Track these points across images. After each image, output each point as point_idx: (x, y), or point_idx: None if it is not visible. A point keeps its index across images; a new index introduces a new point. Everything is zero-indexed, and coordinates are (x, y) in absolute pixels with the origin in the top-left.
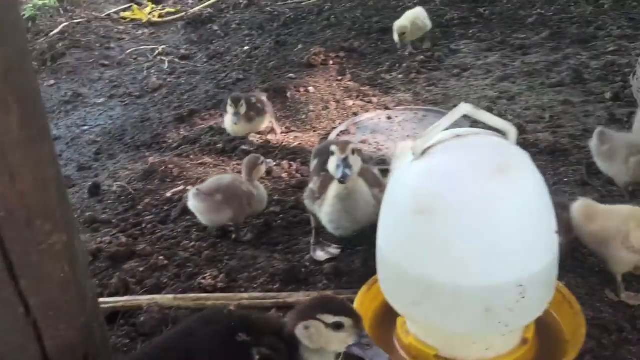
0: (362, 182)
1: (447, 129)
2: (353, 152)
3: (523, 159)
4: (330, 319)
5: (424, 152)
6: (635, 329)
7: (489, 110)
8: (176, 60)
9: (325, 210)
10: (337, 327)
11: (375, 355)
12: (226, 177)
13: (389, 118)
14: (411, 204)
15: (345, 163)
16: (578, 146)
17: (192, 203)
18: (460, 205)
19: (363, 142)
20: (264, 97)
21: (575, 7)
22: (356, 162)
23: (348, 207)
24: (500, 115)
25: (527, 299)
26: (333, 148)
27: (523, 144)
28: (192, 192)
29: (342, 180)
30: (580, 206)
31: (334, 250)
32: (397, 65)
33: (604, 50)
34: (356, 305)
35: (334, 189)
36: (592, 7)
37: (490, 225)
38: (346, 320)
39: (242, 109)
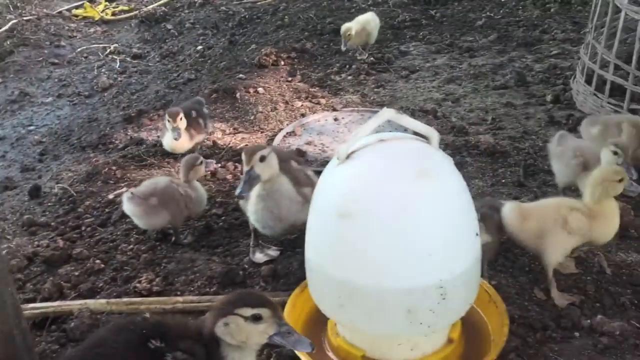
0: (286, 180)
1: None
2: (262, 159)
3: (444, 163)
4: (248, 311)
5: (348, 156)
6: (560, 327)
7: (434, 112)
8: (128, 59)
9: (250, 209)
10: (256, 319)
11: (297, 342)
12: (162, 180)
13: (336, 119)
14: (334, 208)
15: (249, 176)
16: (517, 148)
17: (127, 207)
18: (381, 209)
19: (309, 143)
20: (205, 109)
21: (522, 11)
22: (266, 169)
23: (270, 206)
24: (444, 116)
25: (448, 301)
26: (242, 156)
27: (465, 145)
28: (126, 195)
29: (240, 196)
30: (512, 208)
31: (272, 252)
32: (347, 66)
33: (548, 53)
34: (288, 307)
35: (255, 188)
36: (539, 11)
37: (410, 228)
38: (264, 311)
39: (182, 124)
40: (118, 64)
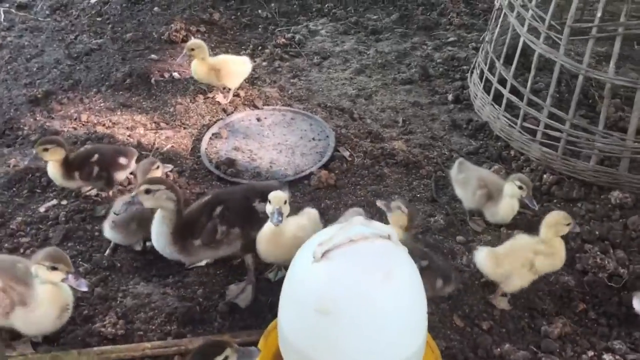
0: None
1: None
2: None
3: (404, 261)
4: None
5: (323, 255)
6: (477, 356)
7: (350, 112)
8: (13, 10)
9: None
10: None
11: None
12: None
13: (259, 120)
14: (313, 304)
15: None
16: (427, 157)
17: (110, 234)
18: (353, 308)
19: (236, 149)
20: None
21: None
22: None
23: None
24: (360, 118)
25: None
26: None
27: (382, 154)
28: (108, 224)
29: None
30: (487, 255)
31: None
32: (260, 48)
33: (446, 40)
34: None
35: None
36: None
37: (378, 322)
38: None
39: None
40: (2, 16)
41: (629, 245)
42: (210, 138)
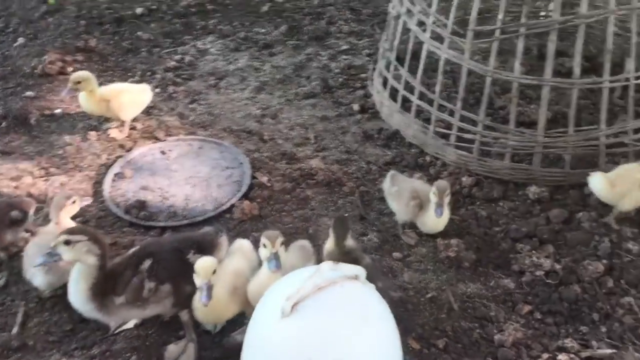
0: None
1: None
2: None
3: (375, 301)
4: None
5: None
6: None
7: (260, 134)
8: None
9: None
10: None
11: None
12: None
13: (163, 153)
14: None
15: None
16: (346, 173)
17: (45, 280)
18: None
19: (145, 188)
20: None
21: None
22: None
23: None
24: (271, 139)
25: None
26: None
27: (301, 175)
28: (39, 271)
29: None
30: (600, 180)
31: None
32: (150, 73)
33: (339, 48)
34: None
35: None
36: None
37: None
38: None
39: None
40: None
41: (556, 239)
42: (113, 179)
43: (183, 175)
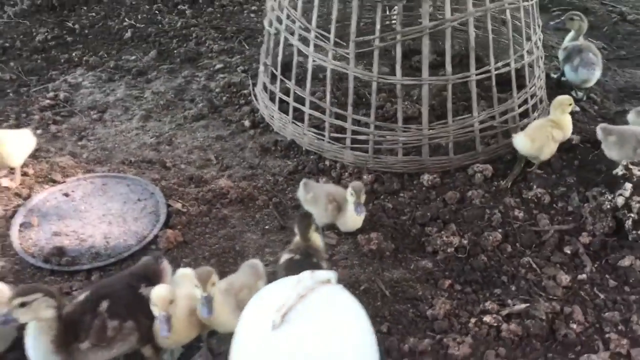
0: None
1: None
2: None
3: (350, 300)
4: None
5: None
6: (393, 357)
7: (162, 162)
8: None
9: None
10: None
11: None
12: None
13: (67, 195)
14: None
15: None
16: (256, 187)
17: None
18: None
19: (57, 234)
20: None
21: (161, 16)
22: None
23: None
24: (173, 165)
25: None
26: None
27: (214, 196)
28: None
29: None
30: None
31: None
32: (25, 115)
33: (213, 68)
34: None
35: None
36: (176, 17)
37: None
38: None
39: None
40: None
41: (455, 218)
42: (19, 230)
43: (95, 215)
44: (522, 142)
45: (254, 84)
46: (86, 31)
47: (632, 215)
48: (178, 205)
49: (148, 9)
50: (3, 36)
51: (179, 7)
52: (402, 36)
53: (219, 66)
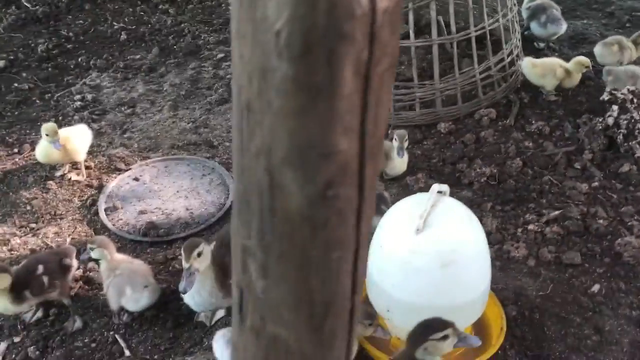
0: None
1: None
2: (199, 254)
3: (467, 212)
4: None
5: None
6: None
7: (207, 142)
8: None
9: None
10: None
11: (471, 340)
12: None
13: (136, 179)
14: (438, 261)
15: (189, 272)
16: None
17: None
18: (468, 253)
19: (143, 212)
20: None
21: (147, 17)
22: (202, 263)
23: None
24: (219, 144)
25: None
26: (182, 252)
27: None
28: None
29: (184, 292)
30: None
31: None
32: (62, 117)
33: (216, 58)
34: None
35: None
36: (164, 16)
37: (481, 263)
38: (449, 331)
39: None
40: None
41: (477, 155)
42: (107, 214)
43: (169, 192)
44: (526, 65)
45: None
46: (82, 37)
47: (622, 130)
48: None
49: (132, 12)
50: (2, 50)
51: (159, 7)
52: (413, 4)
53: (220, 55)
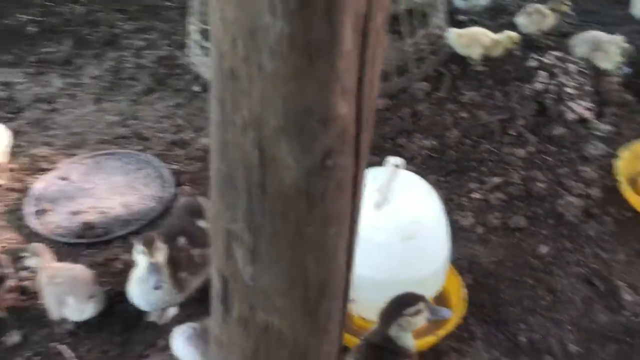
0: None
1: None
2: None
3: (423, 184)
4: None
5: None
6: None
7: (138, 134)
8: None
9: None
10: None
11: (442, 312)
12: None
13: (64, 179)
14: (399, 234)
15: (154, 267)
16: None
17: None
18: (428, 226)
19: (75, 213)
20: None
21: (57, 8)
22: (162, 255)
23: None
24: (152, 136)
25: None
26: (139, 247)
27: (206, 152)
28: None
29: (158, 287)
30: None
31: None
32: None
33: (136, 46)
34: None
35: None
36: (76, 5)
37: (439, 234)
38: (421, 305)
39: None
40: None
41: (415, 128)
42: (37, 218)
43: (102, 189)
44: (452, 36)
45: (186, 54)
46: None
47: (551, 95)
48: (176, 167)
49: (40, 3)
50: None
51: None
52: None
53: (140, 44)
